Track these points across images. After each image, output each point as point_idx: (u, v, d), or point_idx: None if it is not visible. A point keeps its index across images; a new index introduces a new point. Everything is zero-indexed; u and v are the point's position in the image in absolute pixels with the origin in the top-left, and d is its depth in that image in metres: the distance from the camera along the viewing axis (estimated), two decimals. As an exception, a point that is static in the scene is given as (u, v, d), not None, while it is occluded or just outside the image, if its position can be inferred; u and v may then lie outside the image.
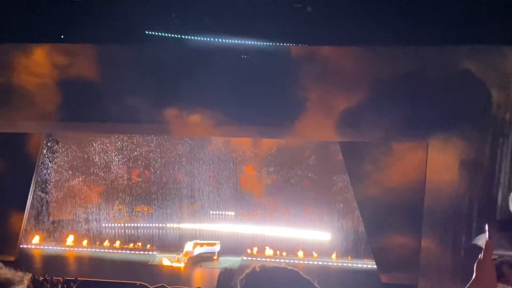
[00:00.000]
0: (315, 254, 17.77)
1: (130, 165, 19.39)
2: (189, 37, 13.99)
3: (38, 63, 14.40)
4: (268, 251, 18.14)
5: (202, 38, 13.78)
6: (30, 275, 2.85)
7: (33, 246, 18.77)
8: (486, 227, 2.40)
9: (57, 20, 13.22)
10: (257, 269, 2.66)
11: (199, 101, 13.90)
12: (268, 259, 17.76)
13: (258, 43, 13.78)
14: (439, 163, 13.27)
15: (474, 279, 2.34)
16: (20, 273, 2.83)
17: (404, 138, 13.82)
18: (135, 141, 19.08)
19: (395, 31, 12.65)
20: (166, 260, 17.54)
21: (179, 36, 13.85)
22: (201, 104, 13.96)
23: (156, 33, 13.84)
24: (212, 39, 13.60)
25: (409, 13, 12.50)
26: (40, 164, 17.74)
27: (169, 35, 13.88)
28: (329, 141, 15.90)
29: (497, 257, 2.33)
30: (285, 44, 13.69)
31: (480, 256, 2.34)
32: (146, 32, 13.68)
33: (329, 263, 17.52)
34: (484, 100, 12.79)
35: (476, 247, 2.50)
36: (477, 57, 12.76)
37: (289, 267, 2.75)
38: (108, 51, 14.35)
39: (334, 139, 14.95)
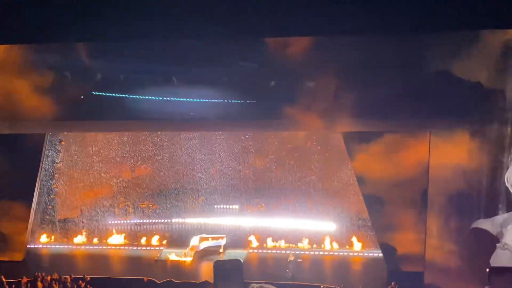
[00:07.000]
0: (319, 244, 17.96)
1: (135, 162, 19.42)
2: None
3: (38, 62, 14.44)
4: (271, 243, 18.37)
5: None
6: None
7: (40, 246, 18.88)
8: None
9: (54, 20, 13.15)
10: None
11: (202, 96, 13.96)
12: (273, 251, 17.99)
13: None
14: (441, 151, 13.31)
15: None
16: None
17: (406, 127, 13.87)
18: (138, 138, 19.11)
19: (391, 20, 12.55)
20: (173, 255, 17.65)
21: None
22: (205, 99, 14.01)
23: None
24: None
25: (409, 2, 12.37)
26: (44, 164, 17.80)
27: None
28: (332, 131, 15.90)
29: None
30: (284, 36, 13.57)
31: None
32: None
33: (334, 253, 17.65)
34: (487, 88, 12.75)
35: (478, 231, 2.64)
36: (480, 43, 12.68)
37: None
38: (109, 48, 14.38)
39: (336, 130, 14.98)
